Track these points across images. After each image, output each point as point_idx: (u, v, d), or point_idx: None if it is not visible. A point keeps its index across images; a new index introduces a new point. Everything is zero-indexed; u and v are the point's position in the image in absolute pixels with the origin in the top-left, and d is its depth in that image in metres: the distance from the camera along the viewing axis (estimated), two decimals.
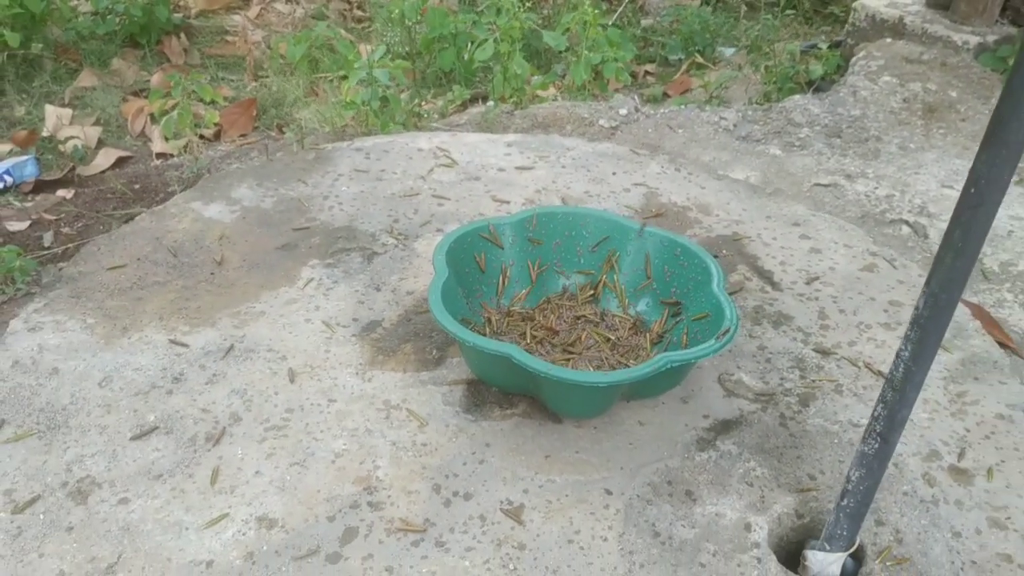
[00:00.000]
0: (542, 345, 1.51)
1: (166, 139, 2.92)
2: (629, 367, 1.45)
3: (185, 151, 2.78)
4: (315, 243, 1.80)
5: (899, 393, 1.09)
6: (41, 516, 1.22)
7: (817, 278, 1.78)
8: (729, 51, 3.99)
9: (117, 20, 3.94)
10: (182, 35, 4.26)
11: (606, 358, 1.49)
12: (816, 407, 1.46)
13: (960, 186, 2.51)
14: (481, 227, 1.56)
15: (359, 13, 4.67)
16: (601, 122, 2.65)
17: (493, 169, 2.10)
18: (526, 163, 2.13)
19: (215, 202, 1.93)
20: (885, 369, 1.56)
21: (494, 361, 1.31)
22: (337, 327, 1.58)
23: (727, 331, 1.34)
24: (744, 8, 4.27)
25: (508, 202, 1.96)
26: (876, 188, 2.39)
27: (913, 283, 1.79)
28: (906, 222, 2.24)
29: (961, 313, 1.71)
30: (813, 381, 1.52)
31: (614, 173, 2.13)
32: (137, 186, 2.59)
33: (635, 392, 1.40)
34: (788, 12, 3.74)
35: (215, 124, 3.22)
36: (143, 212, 1.94)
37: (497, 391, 1.44)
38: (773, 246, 1.88)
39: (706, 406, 1.45)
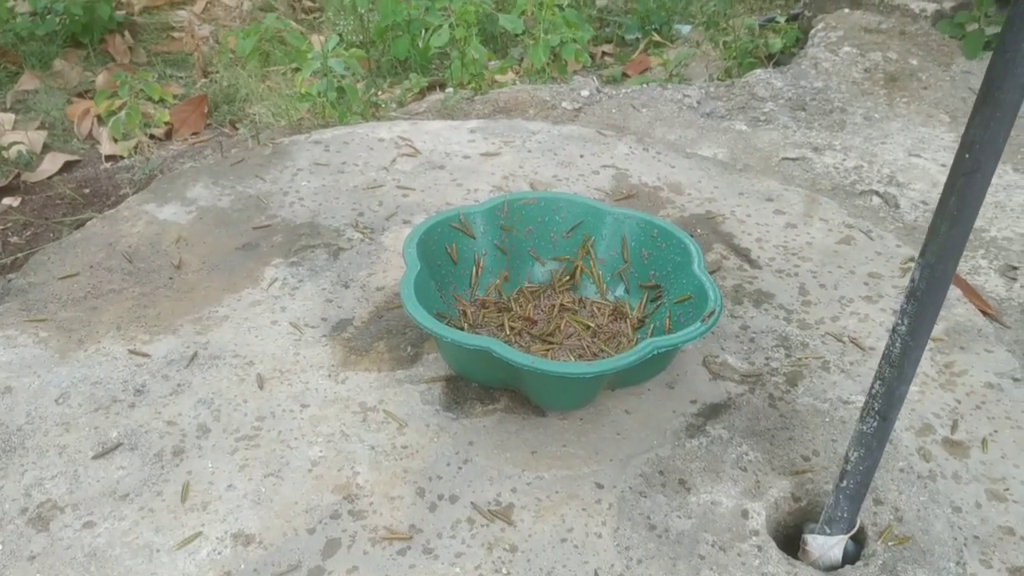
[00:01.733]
0: (521, 336, 1.46)
1: (115, 140, 2.82)
2: (612, 355, 1.40)
3: (135, 152, 2.68)
4: (277, 241, 1.73)
5: (897, 369, 1.05)
6: (0, 546, 1.14)
7: (795, 253, 1.75)
8: (685, 28, 3.95)
9: (57, 20, 3.80)
10: (126, 33, 4.13)
11: (587, 346, 1.44)
12: (804, 386, 1.43)
13: (927, 154, 2.51)
14: (451, 217, 1.50)
15: (309, 3, 4.56)
16: (564, 104, 2.60)
17: (457, 156, 2.03)
18: (491, 149, 2.08)
19: (169, 203, 1.84)
20: (870, 343, 1.53)
21: (473, 356, 1.25)
22: (305, 328, 1.51)
23: (712, 313, 1.30)
24: None
25: (475, 190, 1.91)
26: (844, 160, 2.36)
27: (891, 254, 1.77)
28: (876, 192, 2.22)
29: None
30: (799, 359, 1.49)
31: (582, 156, 2.08)
32: (87, 190, 2.49)
33: (620, 380, 1.35)
34: None
35: (165, 123, 3.11)
36: (94, 217, 1.86)
37: (477, 387, 1.39)
38: (748, 223, 1.84)
39: (693, 391, 1.41)
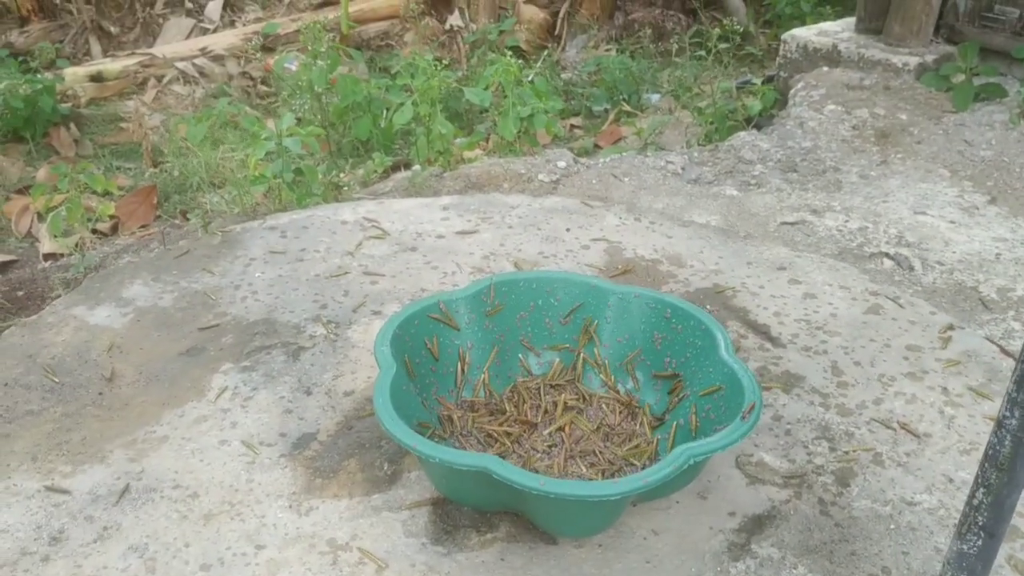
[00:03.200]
0: (519, 445, 1.22)
1: (55, 237, 2.59)
2: (636, 466, 1.17)
3: (77, 249, 2.44)
4: (227, 343, 1.49)
5: (1006, 473, 0.83)
6: None
7: (820, 327, 1.54)
8: (655, 97, 3.83)
9: None
10: (71, 126, 3.92)
11: (600, 452, 1.21)
12: (858, 485, 1.21)
13: (933, 211, 2.35)
14: (429, 306, 1.28)
15: (263, 88, 4.39)
16: (541, 177, 2.41)
17: (431, 236, 1.82)
18: (467, 227, 1.87)
19: (102, 305, 1.60)
20: (923, 428, 1.31)
21: (468, 477, 1.01)
22: (261, 447, 1.27)
23: (752, 407, 1.08)
24: (658, 57, 4.14)
25: (453, 272, 1.69)
26: (847, 221, 2.19)
27: (926, 322, 1.57)
28: (887, 255, 2.04)
29: (991, 352, 1.49)
30: (846, 453, 1.26)
31: (568, 229, 1.88)
32: (21, 293, 2.25)
33: (646, 495, 1.12)
34: (701, 54, 3.61)
35: (110, 217, 2.89)
36: (13, 325, 1.61)
37: (471, 511, 1.14)
38: (762, 295, 1.64)
39: (729, 500, 1.17)
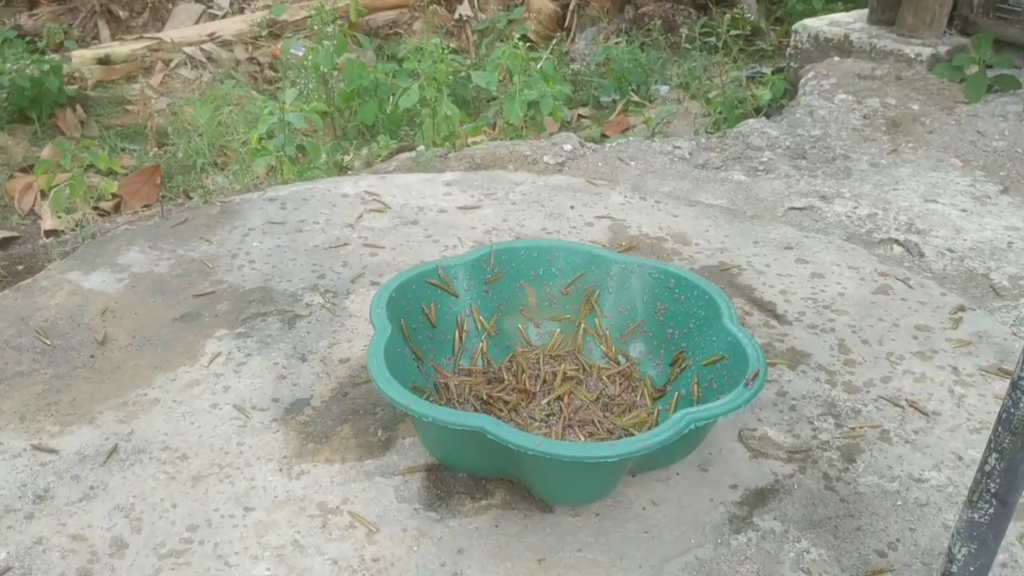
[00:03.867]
0: (516, 413, 1.19)
1: (57, 214, 2.57)
2: (632, 432, 1.14)
3: (79, 227, 2.42)
4: (222, 310, 1.47)
5: (1021, 438, 0.80)
6: None
7: (827, 306, 1.51)
8: (664, 88, 3.80)
9: (3, 94, 3.57)
10: (78, 107, 3.91)
11: (599, 422, 1.18)
12: (864, 461, 1.17)
13: (944, 200, 2.31)
14: (428, 271, 1.25)
15: (270, 74, 4.37)
16: (546, 159, 2.38)
17: (432, 211, 1.80)
18: (470, 202, 1.84)
19: (97, 270, 1.58)
20: (932, 407, 1.28)
21: (462, 439, 0.98)
22: (253, 411, 1.24)
23: (755, 375, 1.05)
24: (668, 50, 4.11)
25: (454, 246, 1.66)
26: (856, 207, 2.15)
27: (936, 303, 1.53)
28: (896, 241, 2.00)
29: (1003, 334, 1.46)
30: (852, 429, 1.23)
31: (572, 207, 1.85)
32: (21, 267, 2.22)
33: (645, 463, 1.09)
34: (711, 40, 3.57)
35: (112, 195, 2.87)
36: (7, 290, 1.59)
37: (466, 477, 1.11)
38: (768, 274, 1.61)
39: (731, 473, 1.14)
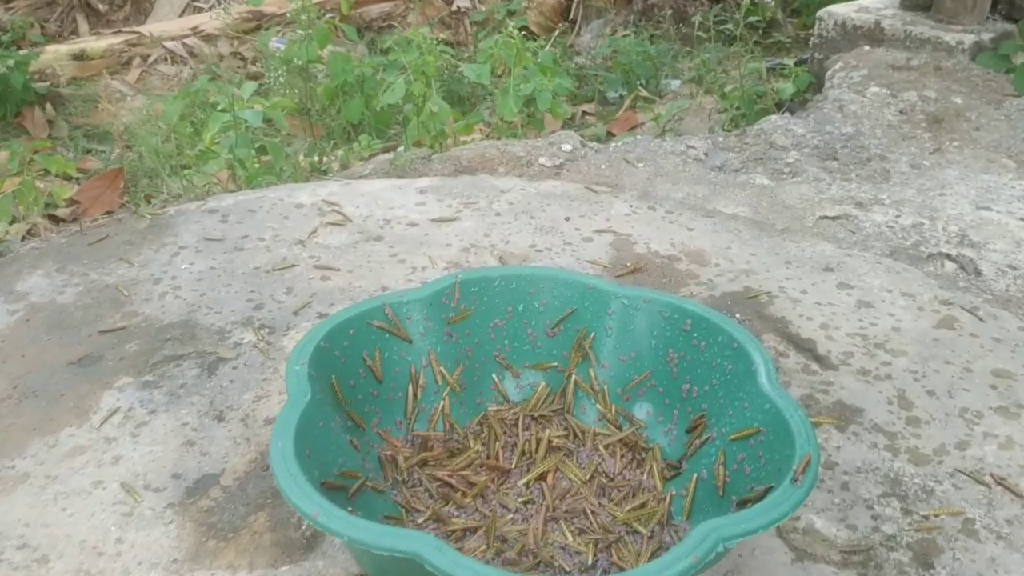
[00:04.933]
0: (484, 501, 0.91)
1: (7, 224, 2.30)
2: (640, 533, 0.85)
3: (29, 237, 2.15)
4: (130, 351, 1.19)
5: None
6: None
7: (880, 345, 1.22)
8: (675, 83, 3.51)
9: None
10: (48, 105, 3.66)
11: (593, 512, 0.89)
12: (946, 567, 0.88)
13: (999, 207, 2.02)
14: (370, 311, 0.96)
15: (254, 69, 4.10)
16: (542, 160, 2.09)
17: (401, 224, 1.51)
18: (447, 213, 1.55)
19: None
20: None
21: (395, 565, 0.69)
22: (144, 492, 0.96)
23: (806, 463, 0.76)
24: (679, 42, 3.82)
25: (424, 267, 1.38)
26: (898, 216, 1.86)
27: (1015, 340, 1.24)
28: (948, 256, 1.71)
29: None
30: (926, 518, 0.94)
31: (567, 218, 1.56)
32: None
33: None
34: (728, 27, 3.29)
35: (65, 200, 2.60)
36: None
37: None
38: (805, 303, 1.32)
39: None
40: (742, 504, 0.82)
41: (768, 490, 0.78)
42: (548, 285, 1.03)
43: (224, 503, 0.94)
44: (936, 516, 0.94)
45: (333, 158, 2.47)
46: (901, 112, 2.38)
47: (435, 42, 2.60)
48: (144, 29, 4.41)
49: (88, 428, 1.05)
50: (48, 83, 3.90)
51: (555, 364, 1.03)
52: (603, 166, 2.08)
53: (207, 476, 0.98)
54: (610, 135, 3.06)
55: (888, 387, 1.14)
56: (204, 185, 1.99)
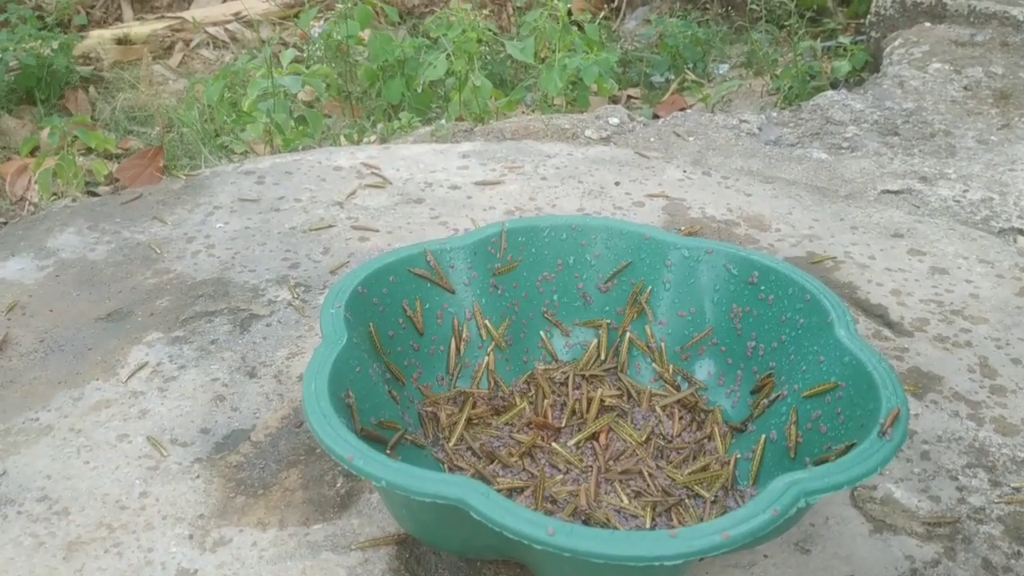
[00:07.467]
0: (532, 460, 0.84)
1: (43, 199, 2.28)
2: (703, 497, 0.78)
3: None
4: (161, 307, 1.14)
5: None
6: None
7: (958, 312, 1.13)
8: (724, 67, 3.42)
9: (9, 74, 3.34)
10: (91, 88, 3.66)
11: (650, 475, 0.82)
12: None
13: None
14: (411, 257, 0.90)
15: (297, 53, 4.09)
16: (588, 133, 2.02)
17: (442, 187, 1.45)
18: (490, 176, 1.49)
19: (18, 255, 1.26)
20: None
21: (440, 513, 0.63)
22: (171, 447, 0.90)
23: (894, 416, 0.68)
24: (727, 24, 3.72)
25: (465, 229, 1.31)
26: (965, 191, 1.75)
27: None
28: (1021, 231, 1.61)
29: None
30: (1017, 490, 0.85)
31: (617, 183, 1.49)
32: None
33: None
34: (775, 16, 3.19)
35: (105, 177, 2.58)
36: None
37: (453, 557, 0.76)
38: (874, 268, 1.23)
39: (845, 557, 0.78)
40: (818, 466, 0.74)
41: (849, 447, 0.70)
42: (601, 236, 0.96)
43: (254, 459, 0.88)
44: None
45: (373, 133, 2.42)
46: (966, 88, 2.26)
47: (477, 18, 2.53)
48: (187, 15, 4.43)
49: (115, 382, 1.00)
50: (92, 67, 3.91)
51: (608, 321, 0.96)
52: (652, 139, 2.00)
53: (237, 432, 0.92)
54: (656, 117, 2.97)
55: (969, 354, 1.05)
56: (242, 152, 1.95)
